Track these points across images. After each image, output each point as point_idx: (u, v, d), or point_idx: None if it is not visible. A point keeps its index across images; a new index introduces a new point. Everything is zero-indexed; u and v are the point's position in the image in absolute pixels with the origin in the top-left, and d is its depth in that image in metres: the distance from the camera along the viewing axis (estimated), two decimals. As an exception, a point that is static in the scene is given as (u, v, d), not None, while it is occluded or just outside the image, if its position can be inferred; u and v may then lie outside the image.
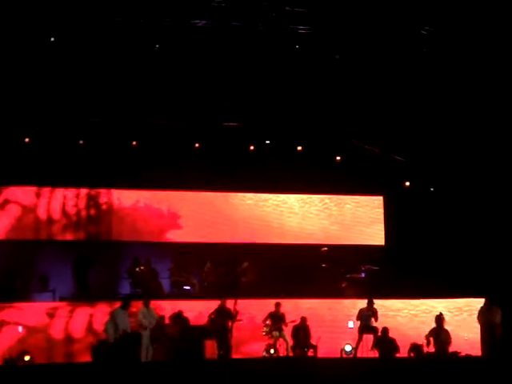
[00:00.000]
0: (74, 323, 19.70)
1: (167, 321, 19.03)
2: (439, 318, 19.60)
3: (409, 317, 21.17)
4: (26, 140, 21.84)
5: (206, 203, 23.03)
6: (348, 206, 24.09)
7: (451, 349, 19.42)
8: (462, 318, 21.04)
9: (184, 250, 21.92)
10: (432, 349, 19.23)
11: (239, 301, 19.04)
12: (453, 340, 19.62)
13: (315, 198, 23.88)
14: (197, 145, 23.04)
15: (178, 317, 19.02)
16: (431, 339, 19.24)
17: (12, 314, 19.57)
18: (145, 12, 19.17)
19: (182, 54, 20.38)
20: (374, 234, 23.94)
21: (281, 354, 19.40)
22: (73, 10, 18.79)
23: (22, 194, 21.81)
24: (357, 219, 24.03)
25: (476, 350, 19.79)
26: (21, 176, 21.33)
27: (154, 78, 20.67)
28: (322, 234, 23.72)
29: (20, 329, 19.41)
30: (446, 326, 19.82)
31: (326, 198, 23.95)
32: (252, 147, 23.47)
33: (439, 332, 19.39)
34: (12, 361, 18.21)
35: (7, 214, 21.66)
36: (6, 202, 21.63)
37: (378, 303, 20.27)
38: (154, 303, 19.40)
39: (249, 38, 20.07)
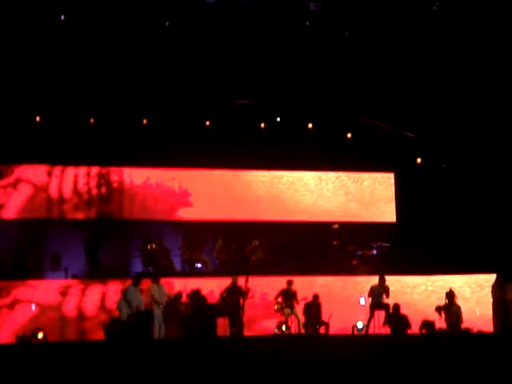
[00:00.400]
0: (86, 301, 19.78)
1: (184, 298, 19.11)
2: (450, 294, 19.60)
3: (426, 293, 21.12)
4: (37, 119, 21.88)
5: (217, 181, 23.03)
6: (366, 183, 24.08)
7: (464, 325, 19.46)
8: (484, 293, 20.69)
9: (192, 229, 21.98)
10: (444, 325, 19.27)
11: (251, 278, 19.22)
12: (470, 316, 19.73)
13: (332, 175, 23.85)
14: (207, 123, 23.02)
15: (196, 295, 19.09)
16: (443, 312, 19.28)
17: (25, 292, 19.65)
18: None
19: (192, 31, 20.30)
20: (390, 211, 23.92)
21: (292, 331, 19.44)
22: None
23: (34, 173, 21.84)
24: (375, 197, 24.02)
25: (489, 326, 19.81)
26: (32, 155, 21.36)
27: (165, 55, 20.63)
28: (339, 211, 23.68)
29: (33, 307, 19.51)
30: (467, 302, 19.90)
31: (343, 175, 23.95)
32: (263, 124, 23.44)
33: (450, 307, 19.42)
34: (25, 338, 18.33)
35: (19, 193, 21.70)
36: (18, 180, 21.67)
37: (395, 279, 20.39)
38: (165, 281, 19.53)
39: (259, 15, 19.98)
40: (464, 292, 20.83)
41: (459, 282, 21.02)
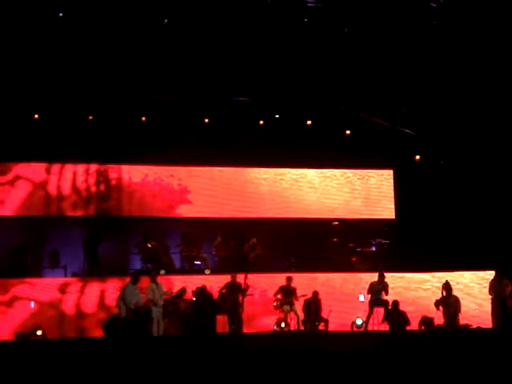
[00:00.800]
0: (85, 299, 19.80)
1: (190, 295, 19.14)
2: (446, 286, 19.63)
3: (432, 290, 21.03)
4: (36, 116, 21.85)
5: (217, 178, 22.98)
6: (371, 180, 24.01)
7: (462, 316, 19.54)
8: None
9: (191, 226, 22.00)
10: (442, 319, 19.32)
11: (250, 275, 19.26)
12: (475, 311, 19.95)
13: (336, 171, 23.75)
14: (206, 120, 22.98)
15: (201, 292, 19.11)
16: (441, 307, 19.34)
17: (24, 290, 19.67)
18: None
19: (190, 28, 20.25)
20: (391, 207, 23.92)
21: (292, 328, 19.46)
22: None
23: (32, 171, 21.84)
24: (380, 193, 23.98)
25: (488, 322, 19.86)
26: (31, 152, 21.37)
27: (162, 52, 20.58)
28: (342, 208, 23.61)
29: (32, 304, 19.52)
30: (475, 298, 20.00)
31: (349, 172, 23.86)
32: (261, 122, 23.38)
33: (448, 299, 19.45)
34: (24, 335, 18.36)
35: (18, 191, 21.70)
36: (17, 178, 21.65)
37: (399, 276, 20.65)
38: (164, 278, 19.59)
39: (257, 12, 19.94)
40: (472, 288, 20.85)
41: (467, 278, 21.02)
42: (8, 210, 21.56)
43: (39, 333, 18.50)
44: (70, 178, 21.97)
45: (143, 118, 22.59)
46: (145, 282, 19.01)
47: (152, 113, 22.48)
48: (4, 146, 21.23)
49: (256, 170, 23.31)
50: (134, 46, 20.29)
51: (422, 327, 19.22)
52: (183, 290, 19.28)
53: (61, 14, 19.33)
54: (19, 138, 21.33)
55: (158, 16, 19.90)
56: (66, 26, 19.52)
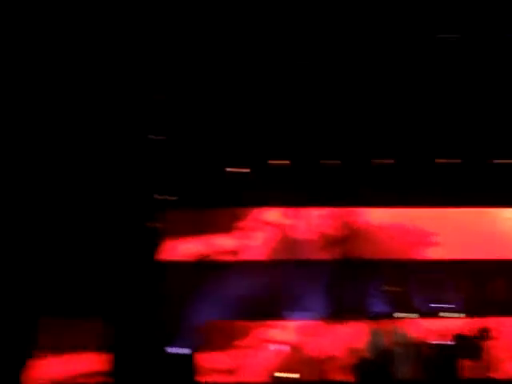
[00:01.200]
0: (330, 342, 19.95)
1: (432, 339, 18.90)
2: None
3: None
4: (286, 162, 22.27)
5: (460, 219, 22.51)
6: None
7: None
8: None
9: (433, 268, 21.75)
10: None
11: (496, 319, 18.82)
12: None
13: None
14: (441, 160, 22.69)
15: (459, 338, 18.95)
16: None
17: (267, 333, 20.16)
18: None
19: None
20: None
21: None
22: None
23: (275, 215, 22.21)
24: None
25: None
26: (273, 197, 21.81)
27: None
28: None
29: (278, 347, 19.88)
30: None
31: None
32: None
33: None
34: (279, 379, 18.70)
35: (258, 235, 22.17)
36: (261, 223, 22.12)
37: None
38: (409, 321, 19.65)
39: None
40: None
41: None
42: (249, 255, 22.03)
43: (292, 375, 18.79)
44: (312, 222, 22.20)
45: (377, 161, 22.59)
46: (388, 325, 19.01)
47: (388, 156, 22.46)
48: (239, 191, 21.81)
49: (503, 209, 22.65)
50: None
51: None
52: (426, 337, 19.14)
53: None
54: (255, 182, 21.87)
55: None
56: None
